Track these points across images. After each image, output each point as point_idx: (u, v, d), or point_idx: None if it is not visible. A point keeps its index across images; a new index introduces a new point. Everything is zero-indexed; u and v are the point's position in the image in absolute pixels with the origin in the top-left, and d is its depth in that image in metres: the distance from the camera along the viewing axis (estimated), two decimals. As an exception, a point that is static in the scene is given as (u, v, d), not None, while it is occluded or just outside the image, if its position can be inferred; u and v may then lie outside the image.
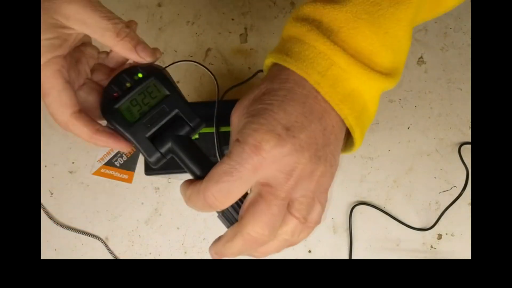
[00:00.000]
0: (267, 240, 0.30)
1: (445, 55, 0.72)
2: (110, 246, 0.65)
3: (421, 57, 0.72)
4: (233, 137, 0.33)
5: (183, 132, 0.36)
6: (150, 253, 0.65)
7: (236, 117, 0.33)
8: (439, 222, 0.64)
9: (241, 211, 0.31)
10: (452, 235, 0.64)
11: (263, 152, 0.29)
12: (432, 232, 0.64)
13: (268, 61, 0.35)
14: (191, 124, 0.36)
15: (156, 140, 0.36)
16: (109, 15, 0.35)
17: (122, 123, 0.36)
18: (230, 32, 0.73)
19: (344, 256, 0.64)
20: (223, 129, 0.51)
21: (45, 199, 0.66)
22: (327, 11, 0.33)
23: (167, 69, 0.42)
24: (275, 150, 0.29)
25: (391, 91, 0.70)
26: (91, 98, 0.38)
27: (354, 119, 0.32)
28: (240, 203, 0.32)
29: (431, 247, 0.64)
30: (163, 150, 0.36)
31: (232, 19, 0.74)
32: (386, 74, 0.33)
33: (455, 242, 0.64)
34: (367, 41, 0.32)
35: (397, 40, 0.33)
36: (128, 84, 0.37)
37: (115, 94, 0.37)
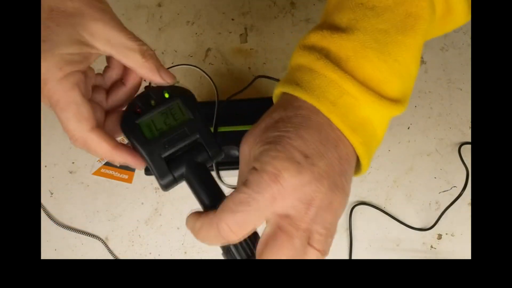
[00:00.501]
0: None
1: (445, 55, 0.72)
2: (110, 246, 0.65)
3: (421, 57, 0.72)
4: (243, 167, 0.32)
5: (200, 158, 0.35)
6: (150, 253, 0.65)
7: (247, 146, 0.32)
8: (439, 222, 0.64)
9: (259, 246, 0.30)
10: (452, 235, 0.64)
11: (283, 180, 0.28)
12: (432, 232, 0.64)
13: (278, 91, 0.34)
14: (209, 152, 0.35)
15: (171, 162, 0.34)
16: (135, 37, 0.34)
17: (139, 138, 0.35)
18: (230, 32, 0.73)
19: (344, 256, 0.64)
20: (221, 129, 0.51)
21: (45, 199, 0.66)
22: (334, 39, 0.32)
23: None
24: (295, 178, 0.28)
25: (391, 91, 0.70)
26: (96, 116, 0.37)
27: (363, 147, 0.32)
28: (252, 238, 0.31)
29: (431, 247, 0.64)
30: (176, 173, 0.34)
31: (232, 19, 0.74)
32: (395, 101, 0.33)
33: (455, 242, 0.64)
34: (376, 70, 0.32)
35: (406, 67, 0.33)
36: (153, 102, 0.36)
37: (138, 110, 0.36)
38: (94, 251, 0.65)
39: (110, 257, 0.64)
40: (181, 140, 0.35)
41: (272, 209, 0.28)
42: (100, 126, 0.35)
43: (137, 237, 0.65)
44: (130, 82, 0.38)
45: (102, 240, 0.65)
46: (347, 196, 0.31)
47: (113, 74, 0.39)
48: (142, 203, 0.66)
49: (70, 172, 0.67)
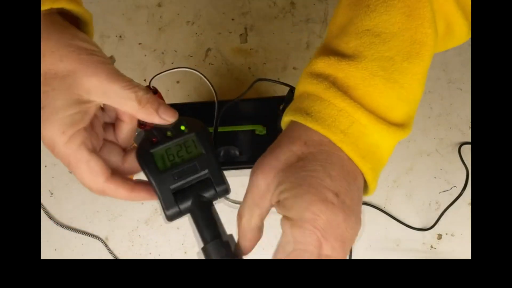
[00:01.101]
0: None
1: (445, 55, 0.72)
2: (110, 246, 0.65)
3: (421, 57, 0.72)
4: (256, 195, 0.33)
5: (207, 194, 0.36)
6: (150, 253, 0.65)
7: (264, 177, 0.32)
8: (439, 222, 0.64)
9: None
10: (452, 235, 0.64)
11: (322, 223, 0.29)
12: (432, 232, 0.64)
13: (287, 119, 0.35)
14: (217, 189, 0.36)
15: (178, 195, 0.35)
16: (129, 84, 0.34)
17: (151, 168, 0.36)
18: (230, 32, 0.73)
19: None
20: (221, 129, 0.51)
21: (45, 199, 0.66)
22: (342, 67, 0.33)
23: (165, 73, 0.42)
24: (332, 219, 0.29)
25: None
26: (113, 158, 0.37)
27: (372, 172, 0.33)
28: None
29: (431, 247, 0.64)
30: (182, 206, 0.35)
31: (232, 19, 0.74)
32: (401, 125, 0.34)
33: (455, 242, 0.64)
34: (384, 97, 0.33)
35: (412, 92, 0.34)
36: (169, 133, 0.37)
37: (154, 139, 0.37)
38: (94, 251, 0.65)
39: (110, 257, 0.64)
40: (191, 174, 0.36)
41: (319, 252, 0.30)
42: (116, 173, 0.36)
43: (137, 237, 0.65)
44: (128, 120, 0.38)
45: (102, 240, 0.65)
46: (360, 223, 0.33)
47: (111, 114, 0.39)
48: (142, 203, 0.66)
49: (70, 172, 0.67)
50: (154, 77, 0.43)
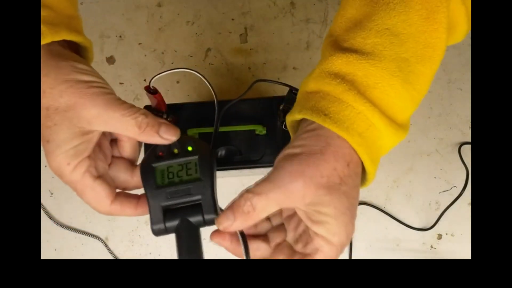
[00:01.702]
0: None
1: (445, 55, 0.71)
2: (110, 246, 0.65)
3: (421, 57, 0.72)
4: (282, 200, 0.32)
5: (194, 219, 0.36)
6: (150, 253, 0.65)
7: (303, 189, 0.31)
8: (439, 222, 0.64)
9: None
10: (452, 235, 0.64)
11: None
12: (432, 232, 0.64)
13: (300, 116, 0.35)
14: (205, 217, 0.36)
15: (167, 213, 0.36)
16: (128, 111, 0.35)
17: (149, 182, 0.37)
18: (230, 32, 0.73)
19: (344, 256, 0.64)
20: (221, 129, 0.51)
21: (45, 199, 0.66)
22: (362, 65, 0.33)
23: (163, 75, 0.42)
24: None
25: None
26: (122, 174, 0.39)
27: (373, 171, 0.34)
28: None
29: (431, 247, 0.64)
30: (168, 225, 0.36)
31: (232, 19, 0.74)
32: (405, 126, 0.35)
33: (455, 242, 0.64)
34: (399, 98, 0.33)
35: (422, 94, 0.34)
36: (175, 151, 0.37)
37: (160, 153, 0.38)
38: (94, 251, 0.65)
39: (110, 257, 0.64)
40: (184, 196, 0.36)
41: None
42: (120, 193, 0.38)
43: (137, 237, 0.65)
44: (126, 139, 0.39)
45: (102, 240, 0.65)
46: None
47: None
48: (142, 203, 0.66)
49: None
50: (154, 77, 0.43)
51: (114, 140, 0.40)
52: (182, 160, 0.37)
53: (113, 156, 0.39)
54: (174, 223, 0.36)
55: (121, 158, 0.39)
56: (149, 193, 0.37)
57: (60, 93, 0.33)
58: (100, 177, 0.36)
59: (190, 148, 0.38)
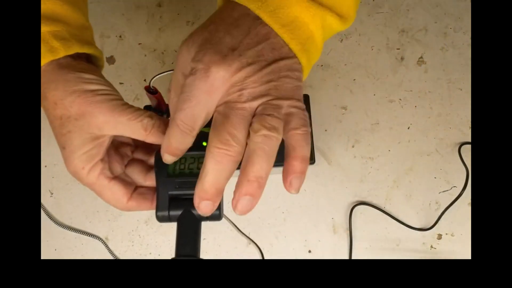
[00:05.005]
0: (235, 152, 0.31)
1: (445, 55, 0.72)
2: (110, 246, 0.65)
3: (421, 57, 0.72)
4: (178, 71, 0.34)
5: (196, 212, 0.36)
6: (150, 253, 0.65)
7: (185, 53, 0.33)
8: (439, 222, 0.64)
9: (210, 132, 0.32)
10: (452, 235, 0.64)
11: (212, 73, 0.31)
12: (432, 232, 0.64)
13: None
14: None
15: (172, 202, 0.37)
16: (134, 115, 0.36)
17: (161, 170, 0.38)
18: (230, 32, 0.73)
19: (344, 256, 0.64)
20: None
21: (45, 199, 0.66)
22: None
23: (163, 75, 0.42)
24: (223, 69, 0.31)
25: (391, 91, 0.70)
26: (136, 176, 0.40)
27: (298, 45, 0.33)
28: None
29: (431, 247, 0.64)
30: (172, 213, 0.37)
31: (232, 19, 0.74)
32: (328, 6, 0.34)
33: (455, 242, 0.64)
34: None
35: None
36: None
37: None
38: (94, 251, 0.65)
39: (110, 257, 0.64)
40: (191, 188, 0.37)
41: (212, 100, 0.32)
42: (138, 192, 0.39)
43: (137, 237, 0.65)
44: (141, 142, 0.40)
45: (102, 240, 0.65)
46: (293, 79, 0.33)
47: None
48: (142, 203, 0.66)
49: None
50: (154, 77, 0.43)
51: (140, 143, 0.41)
52: (195, 153, 0.38)
53: (133, 158, 0.41)
54: (177, 212, 0.37)
55: (140, 160, 0.41)
56: (160, 180, 0.38)
57: (70, 104, 0.35)
58: (116, 177, 0.38)
59: (204, 144, 0.38)
